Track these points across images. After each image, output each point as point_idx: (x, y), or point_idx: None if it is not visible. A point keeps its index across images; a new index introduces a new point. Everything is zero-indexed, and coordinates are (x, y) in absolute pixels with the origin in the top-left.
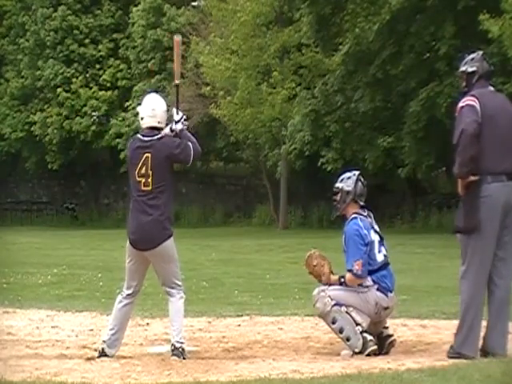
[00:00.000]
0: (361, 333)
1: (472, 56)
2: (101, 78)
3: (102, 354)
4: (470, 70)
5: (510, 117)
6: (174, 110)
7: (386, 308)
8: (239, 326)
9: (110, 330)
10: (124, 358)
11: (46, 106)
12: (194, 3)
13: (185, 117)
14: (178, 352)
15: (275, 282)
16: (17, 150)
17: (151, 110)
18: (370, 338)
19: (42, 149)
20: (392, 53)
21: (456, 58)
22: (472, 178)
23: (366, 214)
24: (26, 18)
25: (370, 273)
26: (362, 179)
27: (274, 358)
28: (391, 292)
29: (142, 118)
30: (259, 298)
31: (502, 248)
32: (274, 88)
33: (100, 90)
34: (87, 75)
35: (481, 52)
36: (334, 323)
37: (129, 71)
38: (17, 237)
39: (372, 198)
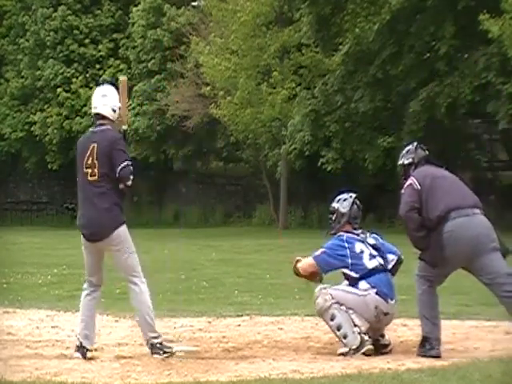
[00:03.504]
0: (358, 333)
1: (407, 148)
2: (101, 78)
3: (81, 347)
4: (406, 162)
5: (451, 175)
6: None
7: (386, 314)
8: (239, 326)
9: (80, 323)
10: (124, 358)
11: (46, 106)
12: (194, 3)
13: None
14: (157, 349)
15: (275, 282)
16: (17, 150)
17: (101, 96)
18: (366, 338)
19: (42, 149)
20: (392, 53)
21: (456, 57)
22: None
23: (358, 232)
24: (26, 17)
25: (364, 277)
26: (358, 202)
27: (274, 357)
28: (391, 299)
29: (95, 108)
30: (259, 297)
31: (481, 275)
32: (274, 88)
33: None
34: (87, 75)
35: (415, 143)
36: (332, 320)
37: (129, 71)
38: (17, 237)
39: (372, 198)
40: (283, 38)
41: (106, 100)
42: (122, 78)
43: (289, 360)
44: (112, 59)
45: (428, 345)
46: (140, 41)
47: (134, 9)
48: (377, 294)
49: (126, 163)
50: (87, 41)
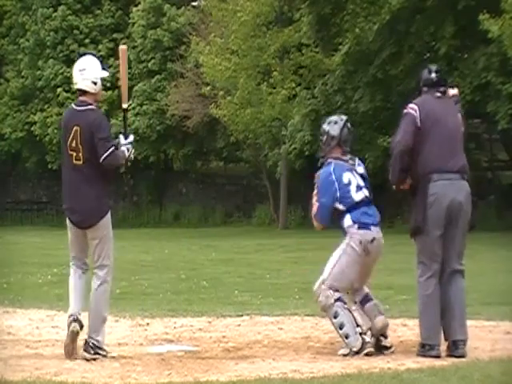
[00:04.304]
0: (360, 334)
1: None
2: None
3: (76, 320)
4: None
5: (455, 119)
6: (121, 136)
7: (372, 240)
8: (239, 326)
9: (71, 304)
10: (124, 357)
11: (46, 106)
12: (194, 3)
13: (131, 146)
14: (89, 348)
15: (275, 282)
16: (17, 150)
17: (80, 71)
18: (367, 339)
19: (42, 149)
20: (392, 53)
21: (456, 57)
22: (407, 181)
23: (348, 158)
24: (26, 17)
25: (349, 211)
26: (349, 125)
27: (274, 357)
28: (374, 225)
29: (75, 83)
30: (259, 297)
31: (446, 244)
32: (274, 88)
33: None
34: None
35: (428, 66)
36: (335, 317)
37: (129, 71)
38: (17, 236)
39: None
40: (283, 38)
41: (85, 74)
42: (122, 47)
43: (289, 360)
44: (112, 59)
45: (428, 346)
46: (140, 41)
47: (134, 9)
48: (358, 228)
49: (108, 152)
50: (87, 41)
